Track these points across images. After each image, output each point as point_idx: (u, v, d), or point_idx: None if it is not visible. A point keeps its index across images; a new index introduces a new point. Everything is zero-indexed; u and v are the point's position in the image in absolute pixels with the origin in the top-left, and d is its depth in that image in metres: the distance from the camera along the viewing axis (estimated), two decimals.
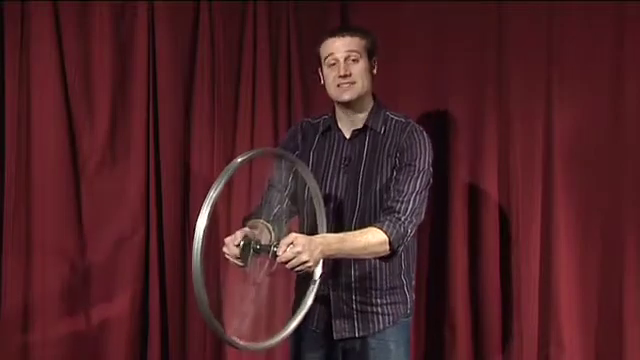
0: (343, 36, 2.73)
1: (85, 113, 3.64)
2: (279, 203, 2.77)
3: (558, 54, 3.37)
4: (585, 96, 3.35)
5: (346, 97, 2.74)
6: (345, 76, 2.71)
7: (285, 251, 2.41)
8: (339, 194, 2.75)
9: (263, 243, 2.50)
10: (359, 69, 2.73)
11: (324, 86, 2.80)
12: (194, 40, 3.70)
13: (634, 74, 3.27)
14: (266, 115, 3.70)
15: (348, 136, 2.80)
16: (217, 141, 3.71)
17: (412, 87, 3.56)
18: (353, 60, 2.72)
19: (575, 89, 3.36)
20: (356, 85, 2.73)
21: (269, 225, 2.65)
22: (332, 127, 2.83)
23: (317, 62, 2.80)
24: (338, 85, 2.73)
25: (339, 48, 2.72)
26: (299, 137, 2.87)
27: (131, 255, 3.65)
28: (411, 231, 2.66)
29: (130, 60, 3.66)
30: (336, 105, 2.81)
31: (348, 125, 2.80)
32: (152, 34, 3.66)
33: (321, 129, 2.84)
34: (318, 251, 2.46)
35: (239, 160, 2.38)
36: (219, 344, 3.70)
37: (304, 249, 2.41)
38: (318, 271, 2.55)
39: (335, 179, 2.76)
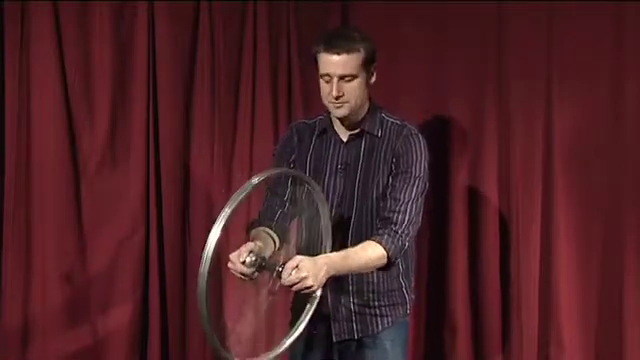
0: (339, 54, 2.62)
1: (85, 113, 3.64)
2: (280, 208, 2.77)
3: (558, 54, 3.37)
4: (585, 96, 3.35)
5: (338, 114, 2.71)
6: (337, 97, 2.66)
7: (290, 274, 2.41)
8: (336, 198, 2.74)
9: (268, 260, 2.50)
10: (353, 87, 2.66)
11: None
12: (194, 40, 3.70)
13: (634, 74, 3.28)
14: (266, 115, 3.70)
15: (345, 139, 2.78)
16: (217, 141, 3.71)
17: (412, 87, 3.56)
18: (348, 80, 2.66)
19: (575, 89, 3.36)
20: (349, 104, 2.68)
21: (272, 233, 2.65)
22: (328, 130, 2.80)
23: (314, 62, 2.74)
24: (330, 102, 2.69)
25: (334, 69, 2.63)
26: (295, 140, 2.85)
27: (131, 255, 3.65)
28: (408, 243, 2.67)
29: (130, 60, 3.65)
30: None
31: (344, 128, 2.78)
32: (152, 34, 3.65)
33: (317, 131, 2.83)
34: (323, 273, 2.47)
35: (255, 181, 2.38)
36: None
37: (309, 274, 2.42)
38: (318, 292, 2.54)
39: (332, 183, 2.75)
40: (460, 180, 3.49)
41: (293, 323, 2.65)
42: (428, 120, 3.47)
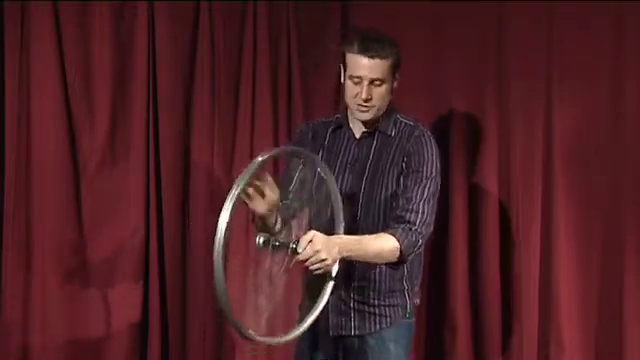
0: (373, 58, 2.65)
1: (85, 113, 3.63)
2: (287, 197, 2.77)
3: (558, 54, 3.37)
4: (585, 96, 3.35)
5: (362, 118, 2.74)
6: (366, 100, 2.69)
7: (305, 248, 2.44)
8: (342, 194, 2.74)
9: (282, 240, 2.52)
10: (381, 92, 2.70)
11: (342, 84, 2.77)
12: (194, 40, 3.70)
13: (634, 74, 3.28)
14: (266, 115, 3.70)
15: (358, 136, 2.80)
16: (217, 141, 3.71)
17: (412, 87, 3.55)
18: (377, 84, 2.69)
19: (575, 89, 3.36)
20: (374, 108, 2.71)
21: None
22: (343, 126, 2.83)
23: (342, 59, 2.75)
24: (357, 104, 2.71)
25: (366, 72, 2.66)
26: (309, 136, 2.87)
27: (131, 255, 3.65)
28: (422, 241, 2.67)
29: (130, 60, 3.65)
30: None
31: (359, 125, 2.79)
32: (152, 34, 3.65)
33: (332, 127, 2.85)
34: (336, 250, 2.49)
35: (260, 159, 2.40)
36: (219, 344, 3.71)
37: (323, 247, 2.45)
38: (335, 269, 2.57)
39: (340, 178, 2.76)
40: (460, 180, 3.49)
41: (307, 306, 2.66)
42: (428, 120, 3.46)
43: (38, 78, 3.58)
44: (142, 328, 3.68)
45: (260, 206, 2.56)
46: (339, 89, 3.64)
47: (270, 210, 2.59)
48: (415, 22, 3.55)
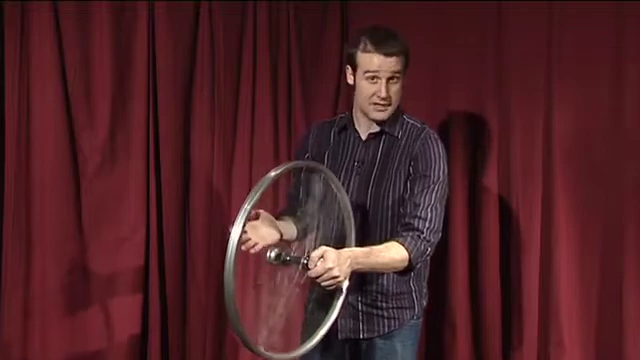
0: (389, 55, 2.64)
1: (85, 113, 3.64)
2: (300, 206, 2.76)
3: (558, 54, 3.37)
4: (585, 96, 3.35)
5: (379, 117, 2.71)
6: (385, 98, 2.67)
7: (316, 265, 2.42)
8: (349, 197, 2.72)
9: (293, 255, 2.51)
10: (396, 90, 2.68)
11: (351, 86, 2.75)
12: (194, 40, 3.70)
13: (634, 74, 3.27)
14: (266, 115, 3.70)
15: (364, 138, 2.78)
16: (217, 141, 3.71)
17: (412, 87, 3.53)
18: (394, 82, 2.67)
19: (575, 89, 3.36)
20: (391, 107, 2.69)
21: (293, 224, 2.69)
22: (348, 127, 2.80)
23: (350, 60, 2.72)
24: (374, 103, 2.68)
25: (385, 69, 2.64)
26: (310, 139, 2.86)
27: (131, 255, 3.65)
28: (431, 249, 2.66)
29: (130, 60, 3.65)
30: (358, 109, 2.77)
31: (366, 127, 2.77)
32: (152, 34, 3.66)
33: (337, 128, 2.83)
34: (347, 265, 2.47)
35: (273, 174, 2.39)
36: (219, 345, 3.70)
37: (335, 264, 2.42)
38: (345, 283, 2.55)
39: (347, 181, 2.74)
40: (460, 179, 3.49)
41: (317, 317, 2.66)
42: (428, 120, 3.45)
43: (38, 78, 3.58)
44: (142, 328, 3.68)
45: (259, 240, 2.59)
46: (339, 89, 3.66)
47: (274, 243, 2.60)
48: (415, 22, 3.54)
